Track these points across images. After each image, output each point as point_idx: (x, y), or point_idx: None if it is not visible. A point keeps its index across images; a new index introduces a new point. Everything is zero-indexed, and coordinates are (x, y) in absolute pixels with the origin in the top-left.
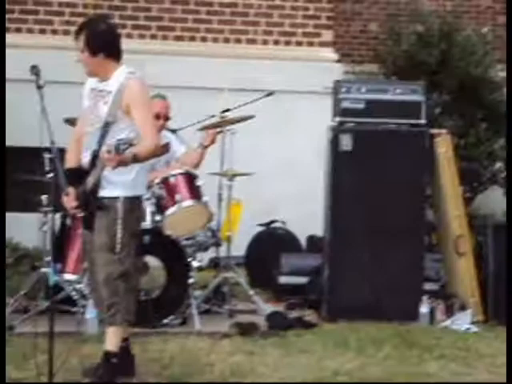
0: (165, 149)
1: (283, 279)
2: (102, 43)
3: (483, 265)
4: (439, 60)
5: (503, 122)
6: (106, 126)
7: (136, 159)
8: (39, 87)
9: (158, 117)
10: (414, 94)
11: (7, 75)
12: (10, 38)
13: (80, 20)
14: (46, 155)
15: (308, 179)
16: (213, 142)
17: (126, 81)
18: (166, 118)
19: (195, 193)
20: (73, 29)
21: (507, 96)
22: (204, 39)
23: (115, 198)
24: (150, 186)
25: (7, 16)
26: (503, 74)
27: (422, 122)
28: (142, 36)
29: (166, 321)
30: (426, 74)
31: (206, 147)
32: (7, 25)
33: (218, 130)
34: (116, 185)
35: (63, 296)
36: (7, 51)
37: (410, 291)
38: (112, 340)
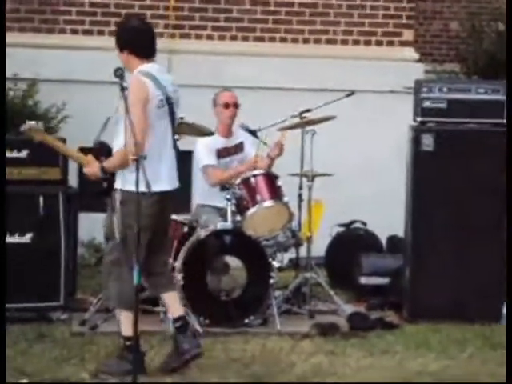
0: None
1: (364, 280)
2: (126, 40)
3: None
4: None
5: None
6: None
7: (104, 171)
8: (122, 89)
9: (226, 106)
10: (496, 94)
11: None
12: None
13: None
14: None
15: (388, 179)
16: (280, 153)
17: (131, 79)
18: (236, 106)
19: (276, 193)
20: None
21: (507, 98)
22: (284, 40)
23: (115, 190)
24: (227, 188)
25: (91, 19)
26: None
27: (504, 121)
28: (222, 37)
29: (246, 321)
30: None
31: (272, 159)
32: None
33: (284, 141)
34: (119, 177)
35: (145, 296)
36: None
37: (492, 291)
38: (123, 325)
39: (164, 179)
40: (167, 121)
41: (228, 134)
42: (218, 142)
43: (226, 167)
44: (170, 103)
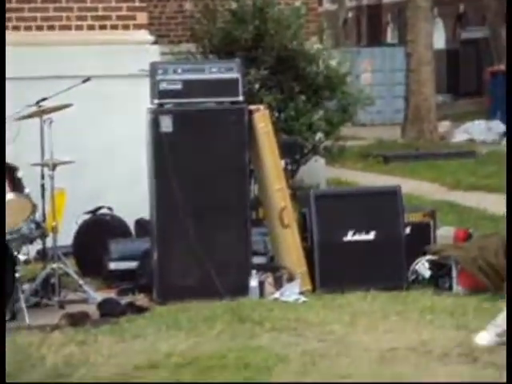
0: None
1: (113, 265)
2: None
3: (308, 235)
4: (255, 35)
5: (321, 93)
6: None
7: None
8: None
9: None
10: (230, 72)
11: None
12: None
13: None
14: None
15: (131, 163)
16: None
17: None
18: None
19: (16, 185)
20: None
21: (507, 94)
22: (17, 28)
23: None
24: None
25: None
26: (318, 45)
27: (240, 98)
28: None
29: None
30: (242, 51)
31: None
32: None
33: None
34: None
35: None
36: None
37: (238, 266)
38: None
39: None
40: None
41: None
42: None
43: None
44: None
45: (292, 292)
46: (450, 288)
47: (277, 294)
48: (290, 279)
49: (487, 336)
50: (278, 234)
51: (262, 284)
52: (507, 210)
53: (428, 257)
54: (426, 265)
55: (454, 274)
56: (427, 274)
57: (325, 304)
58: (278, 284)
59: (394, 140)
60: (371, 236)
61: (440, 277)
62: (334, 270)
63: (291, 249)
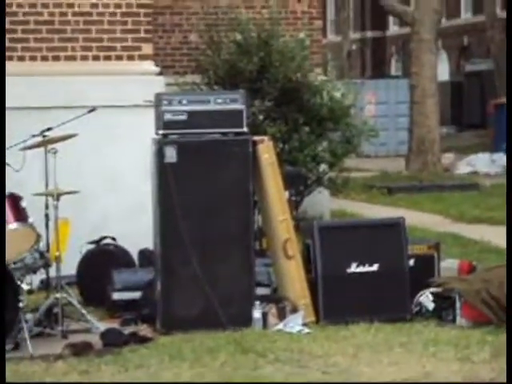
0: None
1: (116, 295)
2: None
3: (312, 267)
4: (259, 67)
5: (325, 125)
6: None
7: None
8: None
9: None
10: (235, 103)
11: None
12: None
13: None
14: None
15: (135, 194)
16: None
17: None
18: None
19: (20, 215)
20: None
21: (507, 100)
22: (22, 58)
23: None
24: None
25: None
26: (322, 77)
27: (245, 129)
28: None
29: None
30: (247, 82)
31: None
32: None
33: None
34: None
35: None
36: None
37: (242, 297)
38: None
39: None
40: None
41: None
42: None
43: None
44: None
45: (295, 323)
46: (454, 320)
47: (280, 326)
48: (294, 310)
49: None
50: (281, 265)
51: (265, 315)
52: (507, 209)
53: (432, 289)
54: (430, 297)
55: (458, 306)
56: (431, 306)
57: (328, 335)
58: (282, 315)
59: (398, 172)
60: (375, 268)
61: (444, 309)
62: (338, 302)
63: (295, 280)
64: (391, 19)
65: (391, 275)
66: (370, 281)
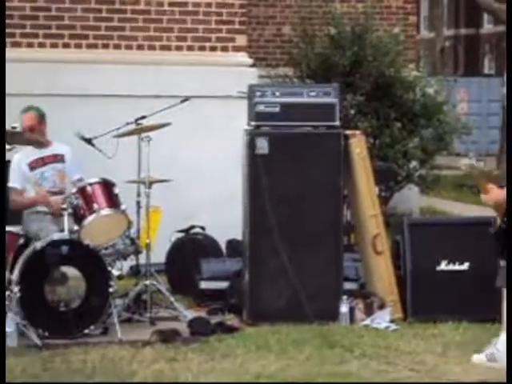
0: None
1: (204, 284)
2: None
3: (400, 263)
4: (352, 61)
5: (417, 121)
6: None
7: None
8: None
9: (24, 131)
10: (328, 96)
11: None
12: None
13: None
14: None
15: (226, 184)
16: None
17: None
18: (31, 130)
19: (113, 201)
20: None
21: (507, 98)
22: (117, 46)
23: None
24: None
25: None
26: (415, 73)
27: (337, 123)
28: (54, 45)
29: (86, 331)
30: (340, 76)
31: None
32: None
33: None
34: None
35: None
36: None
37: (329, 291)
38: None
39: None
40: None
41: (41, 146)
42: (30, 154)
43: (42, 176)
44: None
45: (383, 319)
46: None
47: (367, 321)
48: (381, 306)
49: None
50: (370, 260)
51: (352, 310)
52: (507, 209)
53: None
54: None
55: None
56: None
57: (416, 333)
58: (369, 311)
59: (489, 171)
60: (465, 267)
61: None
62: (426, 299)
63: (383, 276)
64: (485, 17)
65: (482, 275)
66: (460, 280)
